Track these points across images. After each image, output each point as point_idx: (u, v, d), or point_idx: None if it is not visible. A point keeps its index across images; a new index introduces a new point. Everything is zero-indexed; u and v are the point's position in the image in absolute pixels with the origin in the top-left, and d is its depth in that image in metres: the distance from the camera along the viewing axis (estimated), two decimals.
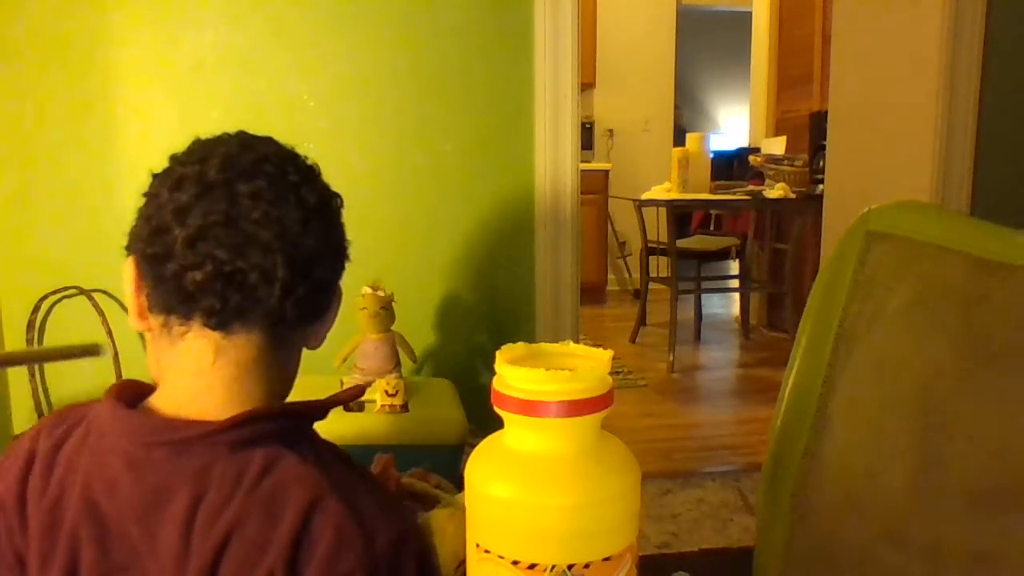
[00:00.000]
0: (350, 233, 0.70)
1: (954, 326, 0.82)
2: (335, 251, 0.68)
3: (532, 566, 0.44)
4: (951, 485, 0.77)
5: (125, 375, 1.66)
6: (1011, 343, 0.77)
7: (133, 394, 0.65)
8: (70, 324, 1.72)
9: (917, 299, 0.86)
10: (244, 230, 0.61)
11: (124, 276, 0.65)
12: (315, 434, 0.66)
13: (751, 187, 3.87)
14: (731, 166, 4.75)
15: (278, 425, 0.62)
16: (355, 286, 1.72)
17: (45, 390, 1.72)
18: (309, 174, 0.68)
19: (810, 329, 0.94)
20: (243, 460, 0.58)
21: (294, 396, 0.70)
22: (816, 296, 0.95)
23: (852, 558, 0.85)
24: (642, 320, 4.18)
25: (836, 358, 0.91)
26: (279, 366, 0.67)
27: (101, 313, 1.65)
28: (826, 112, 2.68)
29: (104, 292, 1.72)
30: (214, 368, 0.63)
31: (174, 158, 0.65)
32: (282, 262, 0.62)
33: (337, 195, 0.70)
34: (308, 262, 0.64)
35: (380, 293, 1.54)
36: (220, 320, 0.62)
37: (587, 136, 5.34)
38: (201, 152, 0.65)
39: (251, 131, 0.69)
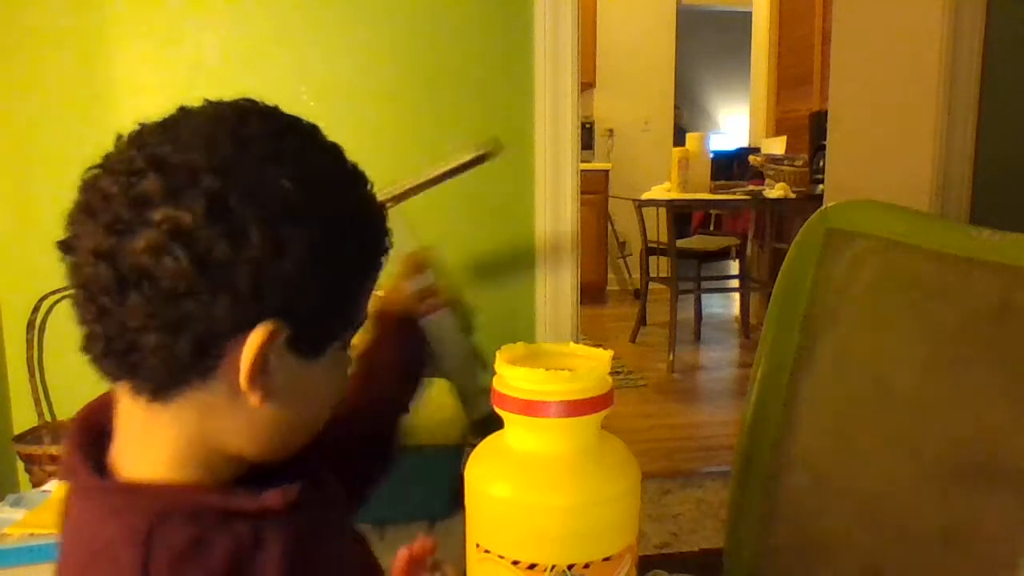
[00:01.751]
0: None
1: (915, 318, 0.83)
2: (173, 289, 0.44)
3: (532, 566, 0.43)
4: (924, 467, 0.78)
5: None
6: (972, 334, 0.78)
7: (103, 420, 0.54)
8: (70, 324, 1.72)
9: (878, 292, 0.87)
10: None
11: None
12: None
13: (751, 187, 3.88)
14: (731, 166, 4.75)
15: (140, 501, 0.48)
16: None
17: (45, 390, 1.72)
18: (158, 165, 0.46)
19: (775, 326, 0.95)
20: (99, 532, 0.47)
21: None
22: (779, 293, 0.96)
23: (827, 545, 0.86)
24: (642, 320, 4.18)
25: (801, 352, 0.92)
26: (168, 433, 0.50)
27: None
28: (826, 112, 2.68)
29: None
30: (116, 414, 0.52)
31: None
32: (84, 296, 0.47)
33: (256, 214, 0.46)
34: (114, 308, 0.46)
35: (379, 293, 1.54)
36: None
37: (587, 136, 5.34)
38: None
39: None
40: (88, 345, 0.49)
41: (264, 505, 0.49)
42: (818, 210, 0.97)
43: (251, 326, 0.47)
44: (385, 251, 0.55)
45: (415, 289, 0.87)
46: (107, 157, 0.49)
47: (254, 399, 0.49)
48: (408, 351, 0.87)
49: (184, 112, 0.50)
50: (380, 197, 0.62)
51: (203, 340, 0.46)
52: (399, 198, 0.97)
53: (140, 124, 0.50)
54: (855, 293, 0.89)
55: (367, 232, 0.53)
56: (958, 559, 0.74)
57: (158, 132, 0.49)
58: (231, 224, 0.45)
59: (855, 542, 0.83)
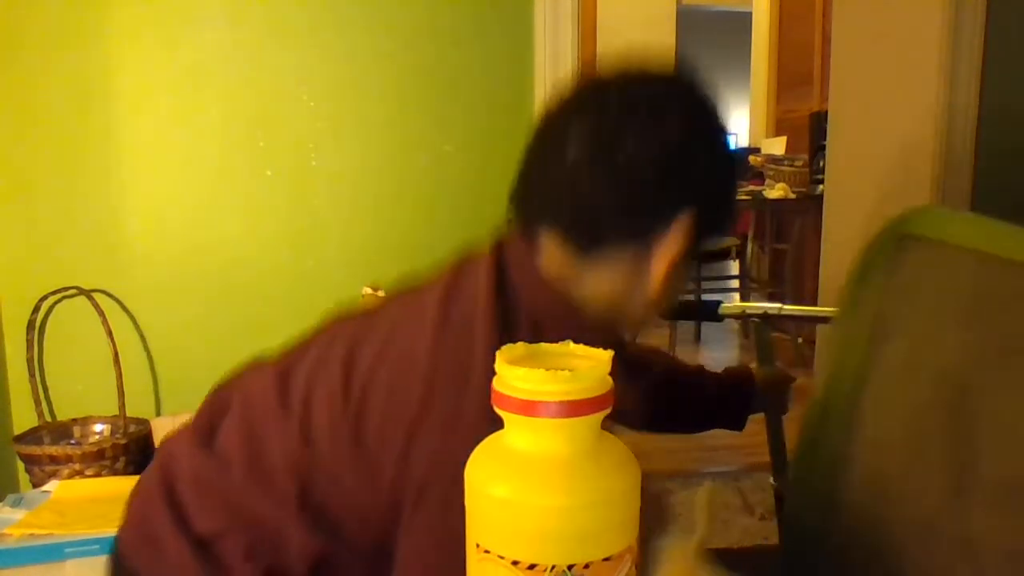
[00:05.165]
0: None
1: (988, 327, 0.80)
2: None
3: (532, 566, 0.43)
4: (985, 481, 0.75)
5: (125, 376, 1.66)
6: None
7: None
8: (70, 324, 1.72)
9: (949, 301, 0.84)
10: None
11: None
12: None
13: (751, 187, 3.88)
14: None
15: None
16: (355, 286, 1.71)
17: (45, 390, 1.72)
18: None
19: (840, 336, 0.92)
20: None
21: None
22: (845, 300, 0.92)
23: (889, 554, 0.84)
24: None
25: (865, 364, 0.89)
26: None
27: (101, 313, 1.65)
28: (826, 112, 2.68)
29: (104, 292, 1.72)
30: None
31: None
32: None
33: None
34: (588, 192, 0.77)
35: (380, 293, 1.54)
36: None
37: None
38: None
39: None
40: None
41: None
42: (898, 215, 0.92)
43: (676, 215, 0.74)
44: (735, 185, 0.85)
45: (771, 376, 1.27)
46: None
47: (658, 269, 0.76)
48: (742, 404, 1.27)
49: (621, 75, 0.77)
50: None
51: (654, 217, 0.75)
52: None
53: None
54: (927, 301, 0.86)
55: (731, 167, 0.84)
56: None
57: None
58: (682, 151, 0.73)
59: (916, 557, 0.80)
